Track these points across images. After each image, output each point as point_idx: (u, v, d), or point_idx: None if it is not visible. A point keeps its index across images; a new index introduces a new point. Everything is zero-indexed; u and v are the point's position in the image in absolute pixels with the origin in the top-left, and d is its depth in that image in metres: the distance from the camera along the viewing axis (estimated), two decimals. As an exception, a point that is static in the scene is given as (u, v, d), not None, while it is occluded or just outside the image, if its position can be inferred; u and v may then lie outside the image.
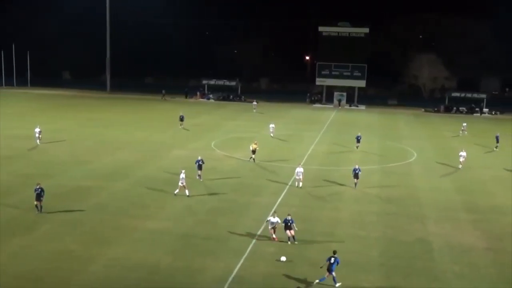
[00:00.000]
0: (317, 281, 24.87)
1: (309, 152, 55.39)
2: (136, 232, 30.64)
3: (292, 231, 29.42)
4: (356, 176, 41.07)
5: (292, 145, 58.72)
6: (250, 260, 27.10)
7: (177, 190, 37.25)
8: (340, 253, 28.20)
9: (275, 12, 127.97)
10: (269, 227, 29.71)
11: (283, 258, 27.11)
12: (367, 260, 27.94)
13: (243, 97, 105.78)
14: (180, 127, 66.62)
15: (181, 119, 67.29)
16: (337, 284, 24.82)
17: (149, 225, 31.90)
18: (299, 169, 41.15)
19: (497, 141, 60.47)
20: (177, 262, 26.81)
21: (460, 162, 49.79)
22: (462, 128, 71.20)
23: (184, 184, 37.06)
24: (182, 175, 37.13)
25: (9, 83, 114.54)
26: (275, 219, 29.57)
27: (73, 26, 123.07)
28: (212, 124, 73.15)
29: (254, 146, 48.55)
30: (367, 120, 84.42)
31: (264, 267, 26.43)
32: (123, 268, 25.91)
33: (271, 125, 64.25)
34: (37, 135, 54.06)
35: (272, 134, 63.12)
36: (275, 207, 36.11)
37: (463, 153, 50.10)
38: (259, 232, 31.13)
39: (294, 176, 41.76)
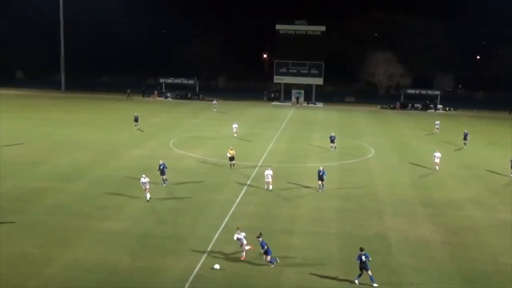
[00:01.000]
0: (356, 281, 25.03)
1: (268, 149, 55.61)
2: (95, 233, 30.23)
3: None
4: (320, 178, 39.93)
5: (251, 143, 58.83)
6: (211, 259, 27.05)
7: (148, 195, 36.25)
8: (299, 250, 28.49)
9: (233, 10, 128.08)
10: (239, 244, 27.74)
11: (217, 266, 26.04)
12: (326, 256, 28.22)
13: (201, 95, 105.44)
14: (135, 128, 65.33)
15: (136, 119, 65.86)
16: (375, 285, 24.81)
17: (107, 226, 31.51)
18: (268, 172, 39.85)
19: (465, 139, 60.21)
20: (137, 262, 26.57)
21: (436, 163, 48.07)
22: (436, 127, 70.70)
23: (148, 187, 36.19)
24: (143, 179, 36.22)
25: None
26: (241, 235, 27.54)
27: (26, 24, 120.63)
28: (170, 123, 72.68)
29: (231, 152, 46.42)
30: (325, 118, 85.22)
31: (224, 266, 26.40)
32: (82, 269, 25.55)
33: (234, 125, 63.23)
34: None
35: (235, 134, 62.15)
36: (234, 205, 36.17)
37: (438, 154, 48.25)
38: (219, 231, 31.12)
39: (264, 179, 40.22)
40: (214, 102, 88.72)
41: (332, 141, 56.12)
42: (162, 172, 40.23)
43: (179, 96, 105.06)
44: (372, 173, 47.36)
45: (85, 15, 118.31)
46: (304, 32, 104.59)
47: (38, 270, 25.26)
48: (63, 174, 42.51)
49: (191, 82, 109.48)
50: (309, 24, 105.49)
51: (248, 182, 42.21)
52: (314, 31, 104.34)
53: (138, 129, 64.80)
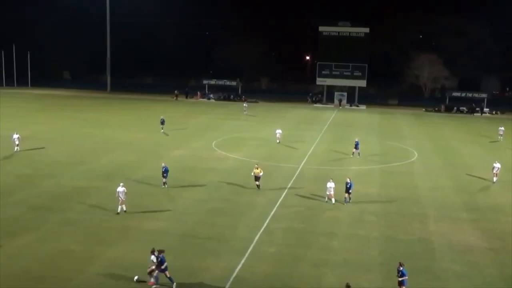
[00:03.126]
0: None
1: (310, 152, 55.31)
2: (135, 232, 30.57)
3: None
4: (347, 190, 37.00)
5: (293, 145, 58.60)
6: (251, 260, 27.01)
7: (119, 208, 33.74)
8: (340, 252, 28.24)
9: (276, 11, 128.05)
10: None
11: (136, 278, 24.83)
12: (367, 259, 27.86)
13: (243, 97, 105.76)
14: (162, 131, 63.51)
15: (162, 122, 64.22)
16: None
17: (148, 225, 31.83)
18: (331, 184, 37.00)
19: None
20: (177, 262, 26.71)
21: (495, 174, 44.67)
22: (500, 133, 67.02)
23: (124, 199, 33.54)
24: (120, 189, 33.57)
25: (9, 84, 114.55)
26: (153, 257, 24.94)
27: (73, 26, 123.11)
28: (213, 124, 73.09)
29: (257, 171, 40.03)
30: (368, 120, 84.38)
31: (265, 267, 26.35)
32: (123, 268, 25.83)
33: (278, 131, 59.98)
34: (16, 142, 50.32)
35: (278, 140, 59.07)
36: (275, 207, 36.09)
37: (497, 165, 44.77)
38: (260, 232, 31.07)
39: (326, 191, 37.47)
40: (244, 105, 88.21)
41: (356, 147, 53.45)
42: (164, 176, 38.99)
43: (221, 97, 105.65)
44: (415, 176, 46.61)
45: (130, 17, 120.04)
46: (348, 34, 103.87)
47: (80, 268, 25.66)
48: (105, 174, 43.15)
49: (233, 83, 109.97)
50: (353, 25, 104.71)
51: (290, 184, 42.05)
52: (358, 32, 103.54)
53: (164, 132, 63.14)
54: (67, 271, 25.26)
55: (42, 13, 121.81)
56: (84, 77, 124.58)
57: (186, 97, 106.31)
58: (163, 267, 24.42)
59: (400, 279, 23.45)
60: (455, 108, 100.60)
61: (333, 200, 36.89)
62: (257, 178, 39.92)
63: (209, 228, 31.70)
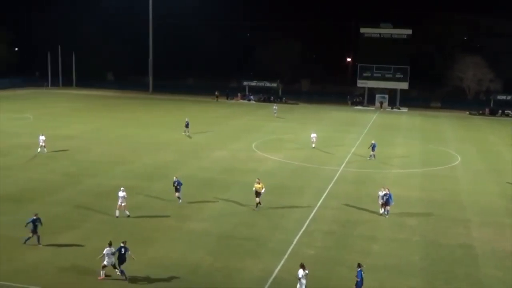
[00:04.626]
0: None
1: (350, 154, 54.92)
2: (176, 232, 30.88)
3: None
4: (386, 203, 34.85)
5: (333, 147, 58.28)
6: (290, 262, 26.97)
7: (117, 212, 33.12)
8: (380, 256, 27.96)
9: (317, 13, 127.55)
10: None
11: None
12: (407, 264, 27.52)
13: (284, 98, 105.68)
14: (185, 134, 62.10)
15: (187, 125, 62.69)
16: None
17: (188, 225, 32.12)
18: (381, 192, 35.30)
19: None
20: (217, 262, 26.89)
21: None
22: None
23: (125, 203, 32.99)
24: (121, 193, 33.02)
25: (55, 84, 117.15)
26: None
27: (117, 28, 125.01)
28: (253, 125, 73.27)
29: (258, 186, 35.62)
30: (410, 123, 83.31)
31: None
32: (163, 267, 26.12)
33: (313, 135, 57.83)
34: (41, 143, 50.05)
35: (313, 145, 57.18)
36: (315, 209, 35.98)
37: None
38: (299, 234, 31.01)
39: (378, 200, 35.82)
40: (274, 107, 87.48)
41: (373, 149, 52.20)
42: (176, 189, 36.02)
43: (261, 99, 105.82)
44: (458, 180, 45.80)
45: (173, 18, 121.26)
46: (390, 35, 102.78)
47: (122, 265, 26.02)
48: (146, 174, 43.71)
49: (274, 85, 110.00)
50: (395, 27, 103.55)
51: (330, 187, 41.86)
52: (400, 34, 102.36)
53: (188, 135, 62.04)
54: (109, 269, 25.63)
55: (87, 15, 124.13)
56: (126, 78, 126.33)
57: (227, 98, 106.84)
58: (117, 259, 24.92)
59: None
60: (500, 111, 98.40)
61: (387, 209, 34.79)
62: (257, 194, 35.53)
63: (248, 229, 31.80)
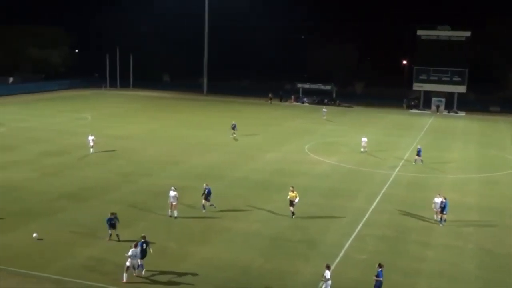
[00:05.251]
0: None
1: (405, 158, 54.03)
2: (228, 233, 31.13)
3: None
4: (442, 210, 33.61)
5: (387, 151, 57.50)
6: (341, 266, 26.79)
7: (169, 212, 33.66)
8: (435, 263, 27.45)
9: (372, 15, 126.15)
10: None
11: (35, 235, 28.77)
12: (463, 272, 26.90)
13: (337, 101, 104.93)
14: (231, 136, 61.93)
15: (233, 127, 62.70)
16: None
17: (241, 226, 32.32)
18: (438, 199, 34.29)
19: None
20: (268, 264, 26.96)
21: None
22: None
23: (175, 203, 33.36)
24: (172, 193, 33.43)
25: (113, 85, 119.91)
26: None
27: (173, 30, 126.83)
28: (306, 127, 73.05)
29: (292, 195, 34.32)
30: (467, 127, 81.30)
31: (355, 274, 26.06)
32: (215, 267, 26.38)
33: (363, 139, 56.45)
34: (91, 143, 51.26)
35: (363, 149, 55.68)
36: (368, 213, 35.61)
37: None
38: (351, 238, 30.76)
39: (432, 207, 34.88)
40: (324, 110, 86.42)
41: (418, 153, 51.26)
42: (206, 198, 34.89)
43: (315, 102, 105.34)
44: (517, 187, 44.45)
45: (227, 20, 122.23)
46: (448, 38, 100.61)
47: (174, 264, 26.44)
48: (199, 174, 44.14)
49: (328, 87, 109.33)
50: (453, 29, 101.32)
51: (383, 190, 41.34)
52: (458, 36, 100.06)
53: (235, 138, 61.84)
54: (160, 266, 26.07)
55: (145, 18, 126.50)
56: (182, 80, 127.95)
57: (281, 100, 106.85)
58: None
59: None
60: None
61: (443, 218, 33.66)
62: (292, 203, 34.24)
63: (299, 231, 31.75)
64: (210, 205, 34.73)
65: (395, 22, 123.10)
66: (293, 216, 33.93)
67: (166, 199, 33.87)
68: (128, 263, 24.54)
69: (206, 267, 26.37)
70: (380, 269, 23.61)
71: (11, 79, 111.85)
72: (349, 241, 30.32)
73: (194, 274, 25.50)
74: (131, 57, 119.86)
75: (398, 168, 49.38)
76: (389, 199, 39.18)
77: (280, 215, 34.56)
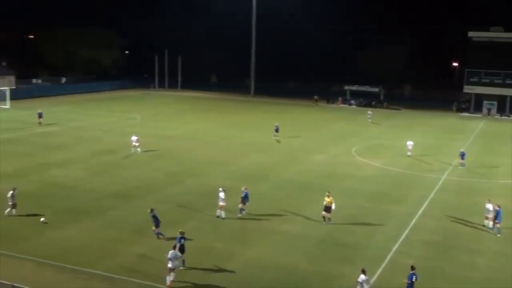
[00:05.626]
0: None
1: (454, 162, 52.97)
2: (274, 234, 31.19)
3: None
4: (495, 218, 32.35)
5: (435, 155, 56.50)
6: (388, 271, 26.52)
7: (218, 212, 33.74)
8: (486, 271, 26.89)
9: (422, 16, 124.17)
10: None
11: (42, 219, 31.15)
12: (514, 280, 26.25)
13: (385, 103, 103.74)
14: (274, 137, 61.56)
15: (276, 130, 62.32)
16: None
17: (286, 228, 32.34)
18: (489, 205, 33.20)
19: None
20: (314, 266, 26.91)
21: None
22: None
23: (223, 204, 33.45)
24: (221, 194, 33.55)
25: (161, 86, 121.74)
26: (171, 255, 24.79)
27: (221, 32, 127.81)
28: (353, 130, 72.49)
29: (328, 200, 33.27)
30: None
31: (402, 279, 25.69)
32: (260, 268, 26.49)
33: (409, 143, 55.19)
34: (134, 143, 51.85)
35: (409, 153, 54.61)
36: (416, 217, 35.11)
37: None
38: (398, 243, 30.39)
39: (484, 213, 33.98)
40: (369, 112, 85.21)
41: (462, 157, 50.30)
42: (243, 201, 34.50)
43: (362, 104, 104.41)
44: None
45: (275, 22, 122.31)
46: (500, 40, 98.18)
47: (220, 264, 26.67)
48: (246, 175, 44.35)
49: (375, 89, 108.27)
50: (506, 30, 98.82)
51: (431, 195, 40.67)
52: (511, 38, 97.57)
53: (277, 140, 61.30)
54: (207, 266, 26.35)
55: (193, 19, 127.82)
56: (229, 81, 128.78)
57: (327, 102, 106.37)
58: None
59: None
60: None
61: (490, 223, 32.70)
62: (327, 208, 33.18)
63: (345, 234, 31.57)
64: (241, 209, 34.21)
65: (446, 24, 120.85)
66: (329, 223, 32.95)
67: (212, 199, 34.15)
68: (170, 265, 24.52)
69: (251, 268, 26.51)
70: (412, 272, 23.31)
71: (64, 80, 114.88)
72: (396, 246, 29.96)
73: (239, 275, 25.67)
74: (179, 58, 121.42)
75: (447, 172, 48.47)
76: (438, 204, 38.52)
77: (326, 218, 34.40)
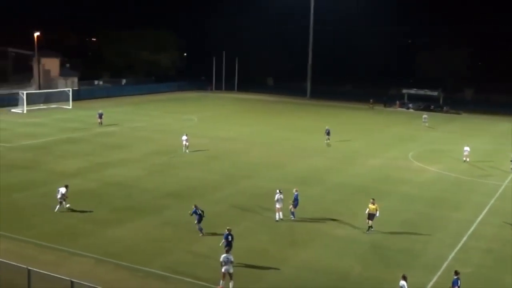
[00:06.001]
0: None
1: (515, 169, 51.37)
2: (327, 238, 31.04)
3: None
4: None
5: (496, 161, 54.83)
6: (443, 278, 25.92)
7: (278, 214, 33.60)
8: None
9: (485, 18, 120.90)
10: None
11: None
12: None
13: (445, 107, 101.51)
14: (326, 141, 60.68)
15: (328, 133, 61.25)
16: None
17: (340, 232, 32.12)
18: None
19: None
20: (367, 271, 26.62)
21: None
22: None
23: (279, 206, 33.34)
24: (278, 196, 33.47)
25: (218, 87, 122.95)
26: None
27: (277, 35, 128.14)
28: (410, 134, 71.26)
29: (372, 208, 32.11)
30: None
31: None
32: (313, 271, 26.40)
33: (466, 148, 53.81)
34: (184, 142, 52.79)
35: (465, 159, 53.20)
36: (474, 224, 34.25)
37: None
38: (455, 250, 29.70)
39: None
40: (424, 116, 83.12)
41: None
42: (294, 204, 34.09)
43: (420, 107, 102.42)
44: None
45: (332, 24, 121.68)
46: None
47: (273, 267, 26.71)
48: (301, 178, 44.26)
49: (434, 93, 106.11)
50: None
51: (491, 202, 39.56)
52: None
53: (328, 144, 60.30)
54: (260, 268, 26.46)
55: (251, 21, 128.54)
56: (286, 83, 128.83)
57: (384, 106, 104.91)
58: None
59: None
60: None
61: None
62: (371, 216, 32.10)
63: (400, 240, 31.09)
64: (292, 212, 33.74)
65: (511, 25, 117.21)
66: (371, 230, 31.98)
67: (266, 202, 34.23)
68: (223, 270, 24.23)
69: (304, 271, 26.45)
70: (456, 277, 22.70)
71: (124, 81, 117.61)
72: (453, 253, 29.29)
73: (292, 278, 25.66)
74: (236, 60, 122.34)
75: (508, 180, 47.02)
76: (498, 211, 37.43)
77: (380, 222, 33.94)
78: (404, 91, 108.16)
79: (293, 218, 33.88)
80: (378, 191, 40.78)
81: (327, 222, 33.68)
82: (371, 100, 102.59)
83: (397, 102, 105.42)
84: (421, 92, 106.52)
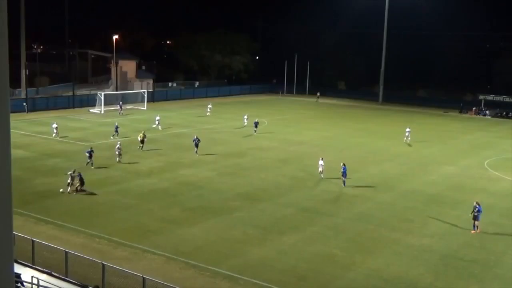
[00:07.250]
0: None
1: None
2: (397, 246, 30.56)
3: None
4: None
5: None
6: (519, 292, 25.10)
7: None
8: None
9: None
10: None
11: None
12: None
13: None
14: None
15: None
16: None
17: (411, 240, 31.56)
18: None
19: None
20: (438, 282, 26.05)
21: None
22: None
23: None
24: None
25: (289, 91, 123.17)
26: None
27: (351, 39, 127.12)
28: (486, 142, 69.04)
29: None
30: None
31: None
32: (381, 279, 26.07)
33: None
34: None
35: None
36: (553, 238, 32.84)
37: None
38: (531, 263, 28.62)
39: None
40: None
41: None
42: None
43: (498, 114, 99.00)
44: None
45: (407, 29, 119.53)
46: None
47: (340, 272, 26.61)
48: (372, 184, 43.80)
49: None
50: None
51: None
52: None
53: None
54: (327, 273, 26.39)
55: (325, 25, 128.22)
56: (358, 88, 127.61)
57: (460, 112, 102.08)
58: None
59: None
60: None
61: None
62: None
63: (475, 251, 30.22)
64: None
65: None
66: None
67: (336, 206, 34.04)
68: None
69: (372, 278, 26.16)
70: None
71: (197, 83, 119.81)
72: (531, 266, 28.23)
73: (361, 285, 25.44)
74: (308, 64, 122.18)
75: None
76: None
77: (453, 232, 33.16)
78: (481, 97, 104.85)
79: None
80: (452, 199, 39.90)
81: (397, 229, 33.17)
82: (318, 94, 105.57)
83: (473, 109, 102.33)
84: (499, 98, 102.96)
